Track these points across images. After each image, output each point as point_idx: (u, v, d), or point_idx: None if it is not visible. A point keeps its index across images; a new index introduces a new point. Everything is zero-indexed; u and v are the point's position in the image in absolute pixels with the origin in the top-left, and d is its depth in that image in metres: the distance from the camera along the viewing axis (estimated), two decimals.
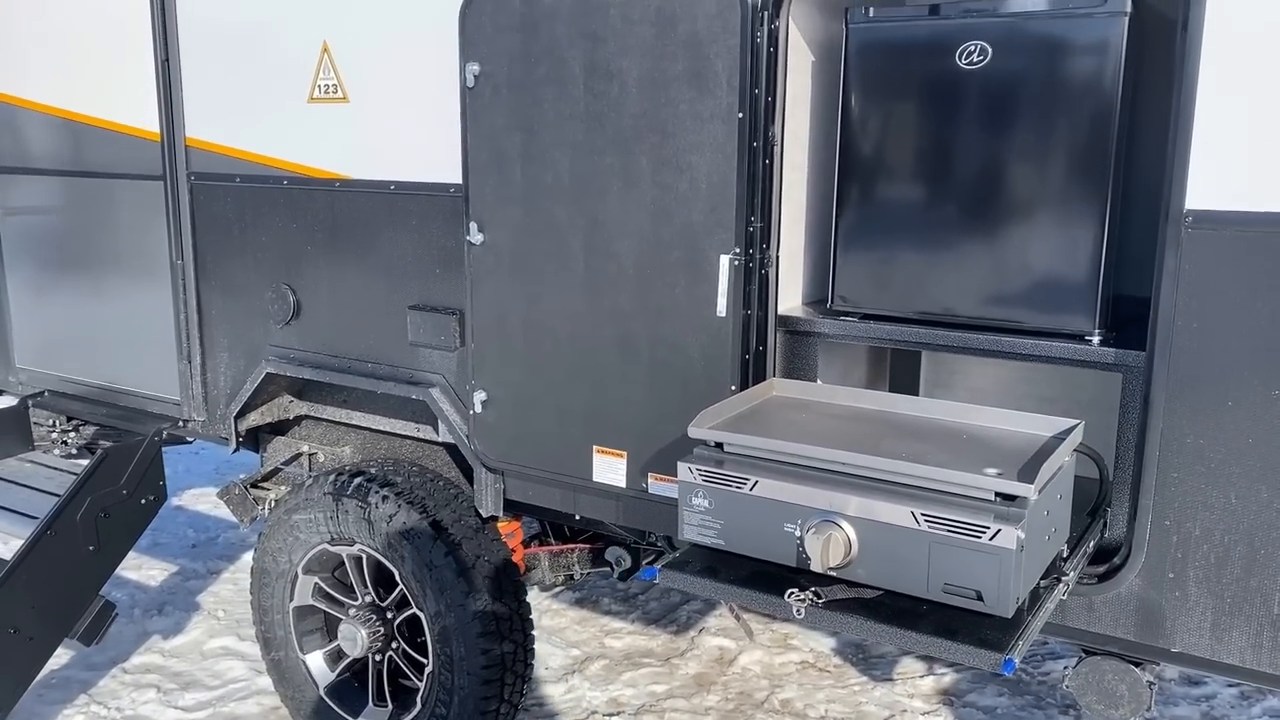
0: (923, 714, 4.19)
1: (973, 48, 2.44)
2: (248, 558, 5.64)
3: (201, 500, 6.53)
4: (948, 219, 2.58)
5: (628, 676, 4.44)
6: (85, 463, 4.39)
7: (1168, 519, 2.29)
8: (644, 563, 3.94)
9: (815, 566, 2.03)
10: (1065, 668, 4.25)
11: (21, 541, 3.63)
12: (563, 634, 4.82)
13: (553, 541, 4.01)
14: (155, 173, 3.80)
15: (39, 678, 3.72)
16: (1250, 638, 2.24)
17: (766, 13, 2.54)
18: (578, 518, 3.28)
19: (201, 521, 6.16)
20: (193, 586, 5.28)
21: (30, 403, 4.43)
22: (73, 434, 4.76)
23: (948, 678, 4.45)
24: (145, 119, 3.80)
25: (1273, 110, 2.06)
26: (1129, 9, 2.29)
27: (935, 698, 4.31)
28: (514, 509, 3.40)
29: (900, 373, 3.26)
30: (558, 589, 5.05)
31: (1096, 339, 2.43)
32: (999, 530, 1.88)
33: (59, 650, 3.76)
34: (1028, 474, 1.98)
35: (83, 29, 3.89)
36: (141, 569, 5.40)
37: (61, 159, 4.11)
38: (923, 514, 1.95)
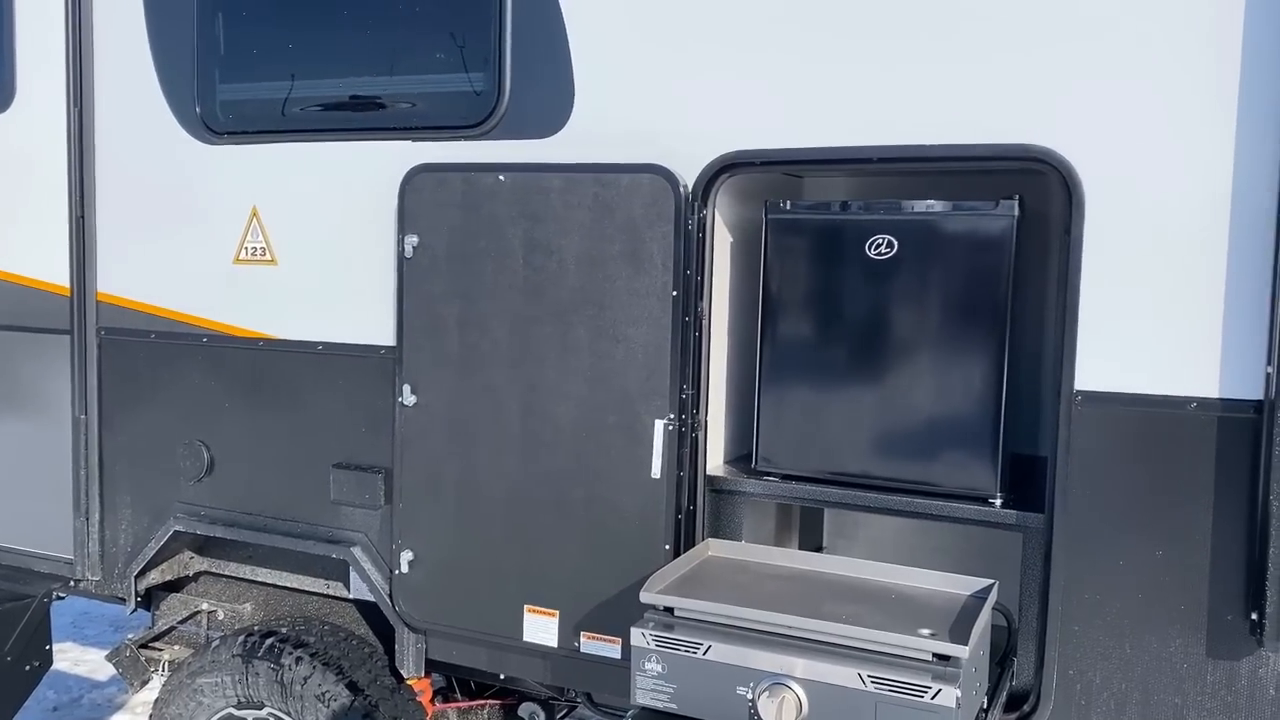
0: None
1: (880, 240, 2.74)
2: None
3: (61, 657, 6.10)
4: (859, 389, 2.83)
5: None
6: None
7: (1071, 669, 2.52)
8: (558, 717, 3.96)
9: None
10: None
11: None
12: None
13: (459, 698, 3.98)
14: (62, 326, 3.75)
15: None
16: None
17: (697, 202, 2.78)
18: (502, 677, 3.30)
19: (62, 681, 5.78)
20: None
21: None
22: None
23: None
24: (53, 272, 3.76)
25: (1143, 302, 2.40)
26: (1016, 212, 2.63)
27: None
28: (434, 668, 3.39)
29: (807, 524, 3.46)
30: None
31: (999, 501, 2.69)
32: (939, 690, 2.05)
33: None
34: (959, 634, 2.18)
35: None
36: None
37: None
38: (869, 675, 2.11)
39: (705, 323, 2.87)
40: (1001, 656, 2.68)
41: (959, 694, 2.05)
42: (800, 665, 2.17)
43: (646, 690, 2.31)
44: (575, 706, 4.09)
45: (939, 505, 2.72)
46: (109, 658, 3.95)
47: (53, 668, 5.99)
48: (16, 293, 3.83)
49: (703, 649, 2.25)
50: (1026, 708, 2.59)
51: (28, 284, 3.81)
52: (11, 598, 3.88)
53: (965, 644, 2.10)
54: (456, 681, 3.96)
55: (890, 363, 2.77)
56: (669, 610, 2.39)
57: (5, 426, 3.93)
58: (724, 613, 2.29)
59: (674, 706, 2.29)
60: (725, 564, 2.69)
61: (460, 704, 3.89)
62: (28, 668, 3.71)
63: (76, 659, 6.10)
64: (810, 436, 2.89)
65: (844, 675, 2.13)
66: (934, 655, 2.13)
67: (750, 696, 2.20)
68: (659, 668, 2.29)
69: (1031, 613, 2.63)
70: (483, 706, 3.93)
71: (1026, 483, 2.84)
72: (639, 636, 2.33)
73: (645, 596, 2.39)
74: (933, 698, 2.05)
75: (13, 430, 3.92)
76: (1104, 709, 2.49)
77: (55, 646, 6.25)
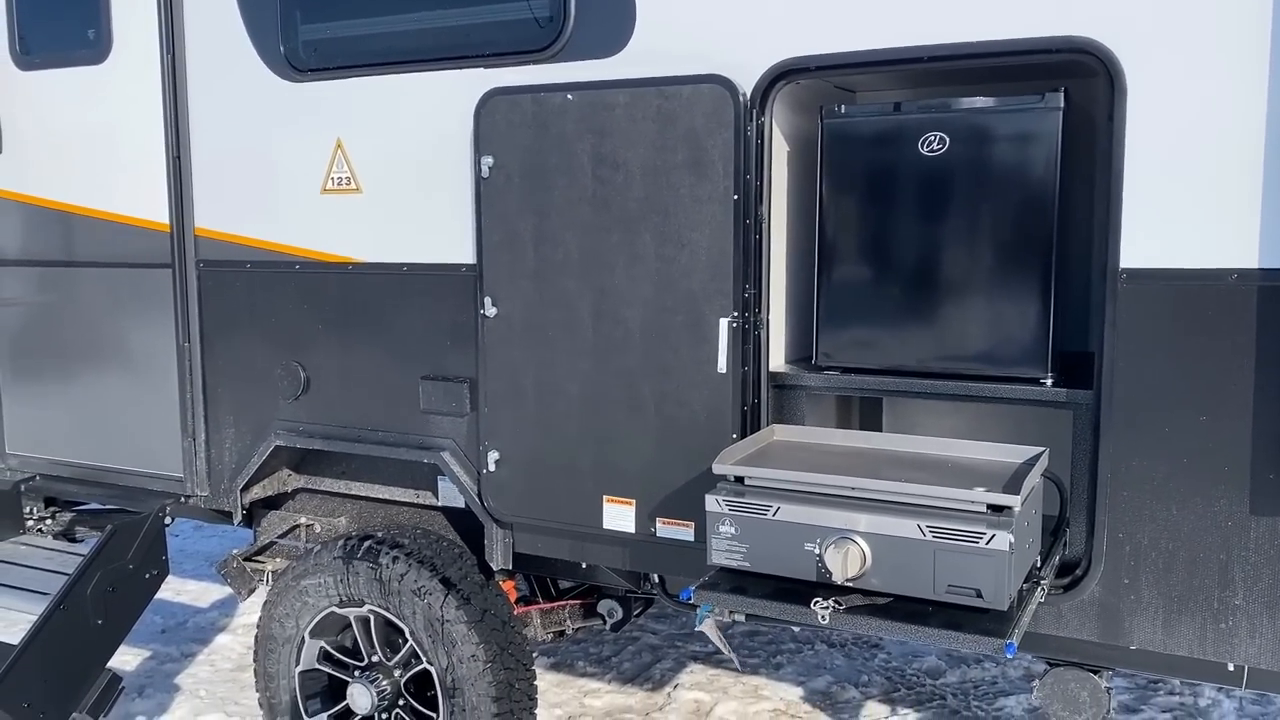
0: None
1: (932, 137, 2.88)
2: (220, 640, 5.72)
3: (164, 588, 6.50)
4: (915, 284, 2.98)
5: None
6: (80, 543, 4.51)
7: (1121, 532, 2.68)
8: (635, 615, 4.20)
9: (836, 578, 2.35)
10: (1032, 681, 4.55)
11: (30, 617, 3.72)
12: (543, 696, 4.98)
13: (540, 601, 4.24)
14: (164, 261, 4.03)
15: None
16: (1196, 630, 2.62)
17: (755, 109, 2.95)
18: (584, 566, 3.54)
19: (166, 608, 6.18)
20: (169, 670, 5.31)
21: (22, 487, 4.52)
22: (50, 520, 4.85)
23: (910, 717, 4.76)
24: (154, 211, 4.04)
25: (1183, 181, 2.52)
26: (1063, 104, 2.76)
27: None
28: (519, 564, 3.65)
29: (865, 421, 3.64)
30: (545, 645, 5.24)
31: (1049, 381, 2.84)
32: (994, 535, 2.24)
33: None
34: (1012, 488, 2.35)
35: (92, 129, 4.13)
36: (116, 655, 5.39)
37: (62, 250, 4.30)
38: (927, 526, 2.30)
39: (765, 226, 3.04)
40: (1056, 528, 2.85)
41: (1012, 539, 2.23)
42: (863, 520, 2.37)
43: (721, 551, 2.52)
44: (651, 602, 4.34)
45: (993, 388, 2.88)
46: (218, 569, 4.27)
47: (158, 598, 6.44)
48: (121, 231, 4.12)
49: (772, 510, 2.45)
50: (1079, 571, 2.76)
51: (130, 223, 4.10)
52: (129, 514, 4.20)
53: (1017, 494, 2.27)
54: (537, 585, 4.23)
55: (943, 255, 2.93)
56: (739, 480, 2.59)
57: (116, 358, 4.25)
58: (791, 478, 2.49)
59: (747, 564, 2.50)
60: (789, 445, 2.89)
61: (543, 605, 4.16)
62: (148, 575, 4.03)
63: (178, 589, 6.50)
64: (868, 330, 3.06)
65: (904, 527, 2.32)
66: (988, 506, 2.31)
67: (817, 551, 2.40)
68: (732, 530, 2.50)
69: (1082, 484, 2.79)
70: (563, 607, 4.20)
71: (1072, 371, 2.99)
72: (713, 503, 2.54)
73: (718, 468, 2.60)
74: (987, 543, 2.23)
75: (123, 361, 4.23)
76: (1152, 568, 2.65)
77: None
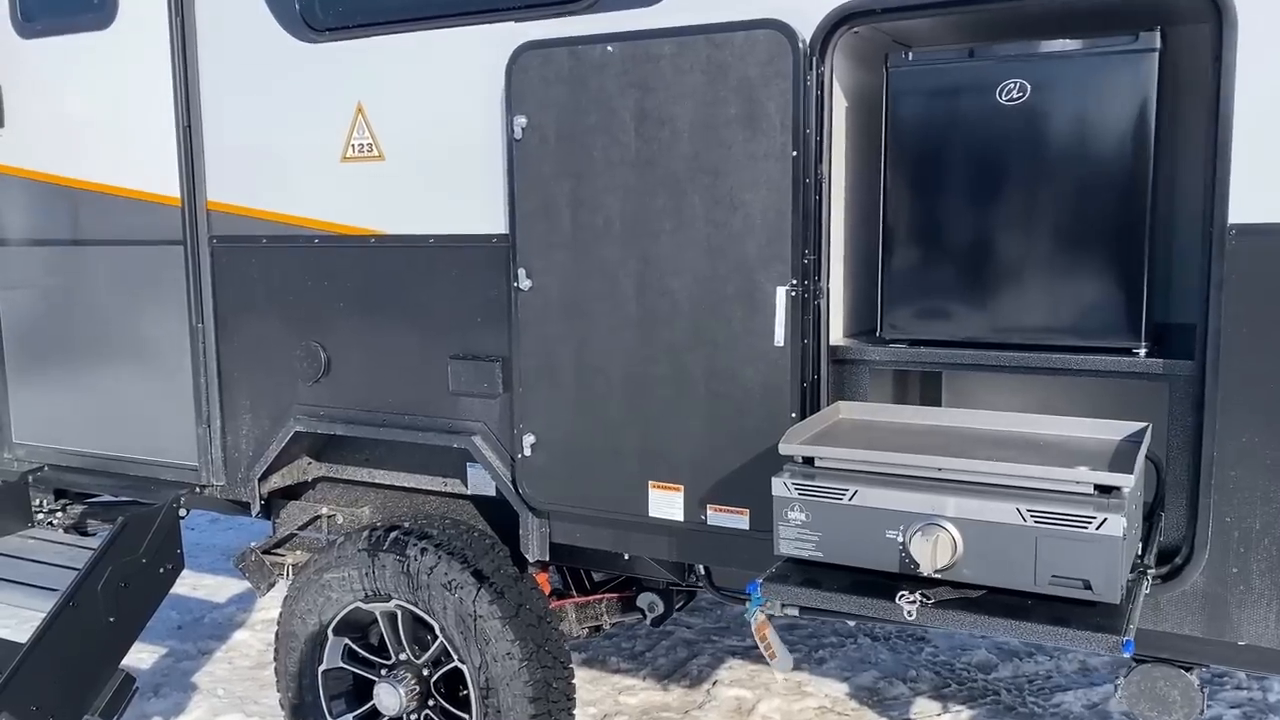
0: None
1: (1011, 85, 2.63)
2: (238, 636, 5.52)
3: (179, 583, 6.31)
4: (992, 248, 2.73)
5: None
6: (92, 536, 4.30)
7: (1228, 516, 2.42)
8: (676, 609, 3.97)
9: (924, 569, 2.11)
10: (1117, 680, 4.32)
11: (39, 614, 3.51)
12: (577, 693, 4.77)
13: (574, 594, 4.01)
14: (174, 237, 3.80)
15: None
16: None
17: (815, 57, 2.70)
18: (626, 557, 3.31)
19: (183, 603, 5.98)
20: (186, 668, 5.11)
21: (30, 478, 4.31)
22: (60, 514, 4.64)
23: (964, 714, 4.51)
24: (164, 184, 3.81)
25: None
26: (1159, 45, 2.50)
27: None
28: (557, 554, 3.41)
29: (924, 396, 3.39)
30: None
31: (1143, 351, 2.59)
32: (1105, 519, 1.99)
33: None
34: (1119, 467, 2.10)
35: (98, 98, 3.91)
36: (130, 652, 5.18)
37: (67, 228, 4.08)
38: (1028, 510, 2.05)
39: (825, 186, 2.79)
40: (1150, 511, 2.60)
41: (1125, 523, 1.98)
42: (953, 505, 2.12)
43: (790, 540, 2.28)
44: (692, 596, 4.10)
45: (1080, 360, 2.62)
46: (235, 562, 4.06)
47: (174, 593, 6.24)
48: (129, 207, 3.90)
49: (849, 494, 2.21)
50: (1179, 560, 2.51)
51: (139, 197, 3.87)
52: (142, 506, 3.99)
53: (1130, 473, 2.02)
54: (572, 578, 4.00)
55: (1025, 213, 2.67)
56: (809, 461, 2.35)
57: (126, 341, 4.03)
58: (870, 458, 2.24)
59: (820, 555, 2.26)
60: (858, 423, 2.64)
61: (578, 599, 3.93)
62: (162, 570, 3.82)
63: (195, 584, 6.30)
64: (939, 300, 2.81)
65: (1001, 511, 2.07)
66: (1095, 488, 2.06)
67: (901, 539, 2.15)
68: (803, 516, 2.26)
69: (1181, 464, 2.53)
70: (600, 601, 3.97)
71: (1160, 341, 2.73)
72: (780, 486, 2.30)
73: (785, 448, 2.36)
74: (1098, 528, 1.99)
75: (133, 344, 4.01)
76: (1265, 555, 2.40)
77: None
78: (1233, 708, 4.48)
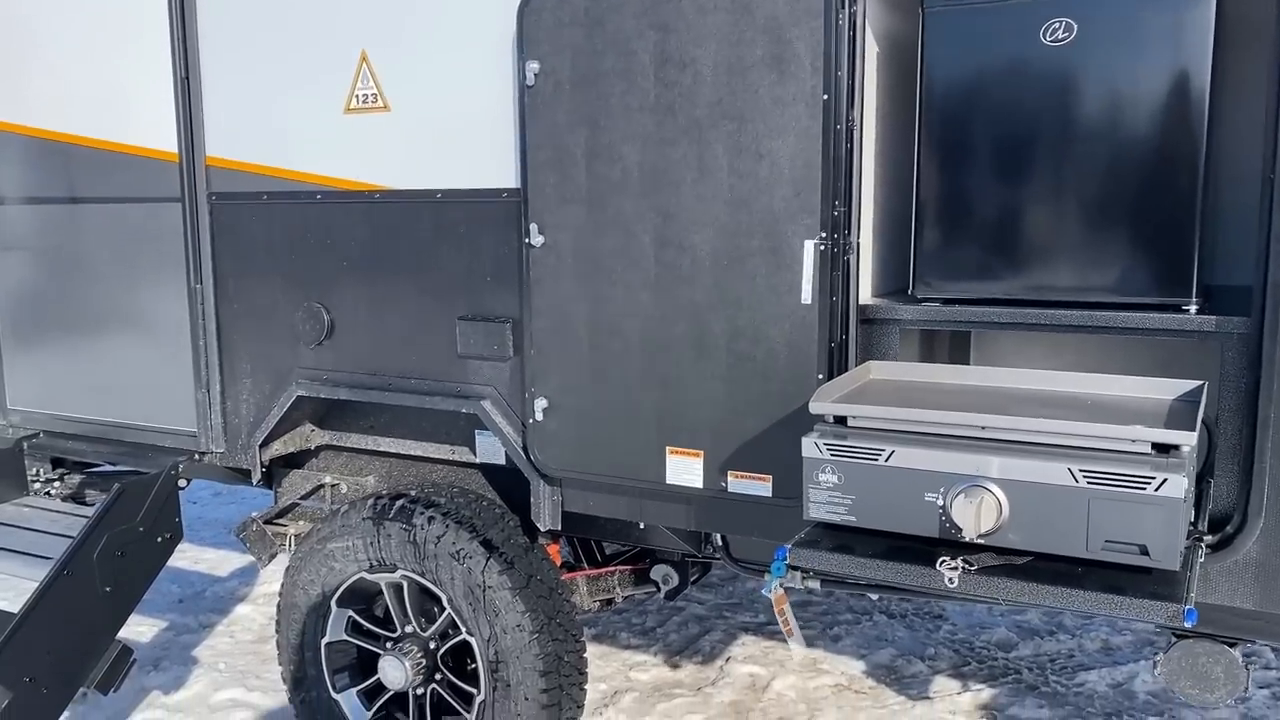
0: None
1: (1057, 24, 2.47)
2: (240, 610, 5.41)
3: (180, 556, 6.17)
4: (1034, 200, 2.58)
5: (662, 708, 4.29)
6: (89, 504, 4.17)
7: None
8: (691, 581, 3.84)
9: (966, 534, 1.97)
10: (1156, 656, 4.19)
11: (33, 584, 3.39)
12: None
13: (585, 565, 3.89)
14: (172, 195, 3.66)
15: None
16: None
17: None
18: (641, 527, 3.18)
19: (184, 577, 5.87)
20: (186, 641, 5.00)
21: (25, 445, 4.18)
22: (58, 483, 4.52)
23: (985, 693, 4.39)
24: (160, 139, 3.66)
25: None
26: None
27: (977, 713, 4.24)
28: (569, 524, 3.28)
29: (953, 357, 3.24)
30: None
31: (1193, 308, 2.44)
32: (1165, 480, 1.85)
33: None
34: (1181, 425, 1.96)
35: (89, 50, 3.76)
36: (129, 626, 5.01)
37: (60, 186, 3.94)
38: (1080, 470, 1.91)
39: (857, 134, 2.64)
40: (1199, 476, 2.45)
41: (1186, 484, 1.84)
42: (998, 465, 1.98)
43: (821, 504, 2.14)
44: (708, 568, 3.98)
45: (1126, 317, 2.47)
46: (237, 533, 3.94)
47: (174, 566, 6.13)
48: (125, 163, 3.75)
49: (885, 454, 2.07)
50: (1230, 528, 2.37)
51: (135, 153, 3.73)
52: (139, 473, 3.86)
53: (1191, 430, 1.88)
54: (582, 550, 3.87)
55: (1069, 163, 2.52)
56: (842, 421, 2.20)
57: (123, 304, 3.89)
58: (907, 416, 2.10)
59: (853, 519, 2.12)
60: (890, 383, 2.50)
61: (589, 571, 3.80)
62: (159, 539, 3.69)
63: (196, 558, 6.19)
64: (976, 256, 2.66)
65: (1051, 472, 1.93)
66: (1153, 446, 1.92)
67: (942, 502, 2.01)
68: (835, 479, 2.12)
69: (1234, 427, 2.39)
70: (612, 573, 3.84)
71: (1211, 302, 2.58)
72: (811, 447, 2.16)
73: (816, 406, 2.21)
74: (1157, 489, 1.84)
75: (130, 307, 3.87)
76: None
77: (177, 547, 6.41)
78: (1262, 688, 4.35)
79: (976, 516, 1.95)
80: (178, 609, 5.40)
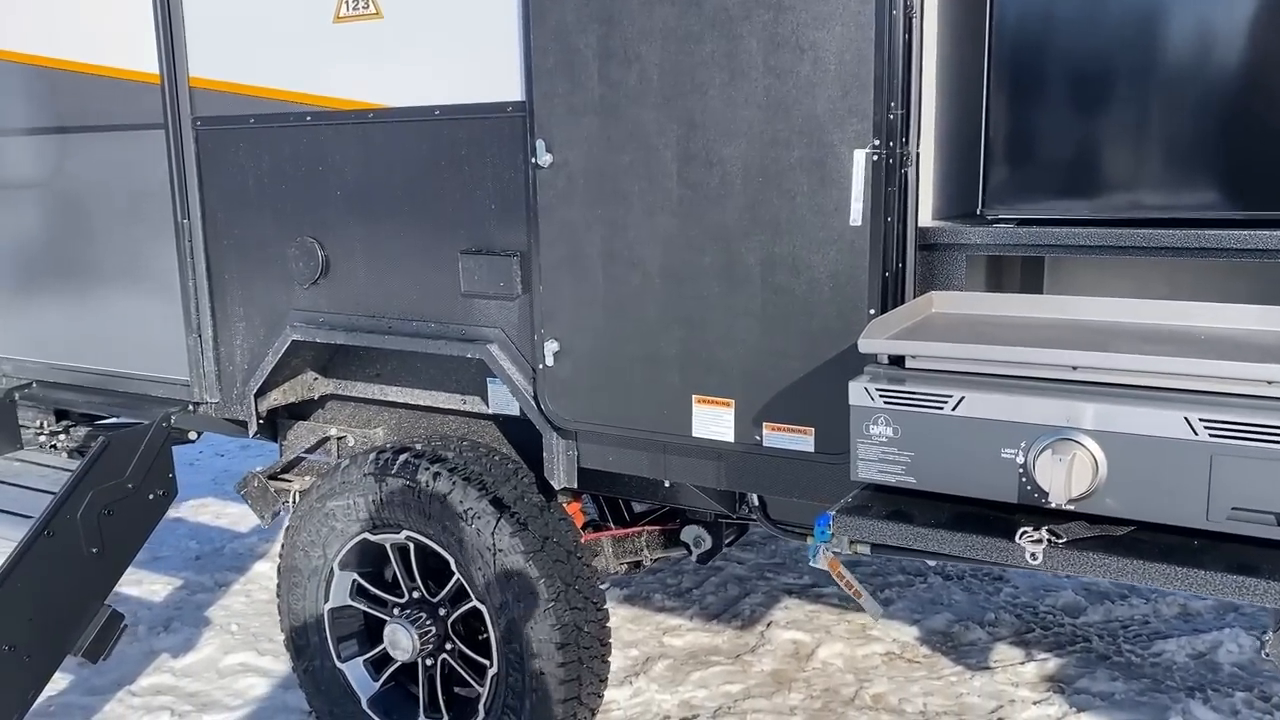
0: (1033, 704, 3.75)
1: None
2: (258, 568, 5.17)
3: (202, 511, 6.02)
4: (1123, 102, 2.15)
5: (697, 677, 3.98)
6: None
7: None
8: (726, 544, 3.50)
9: (1053, 499, 1.59)
10: (1264, 636, 3.79)
11: (13, 545, 3.14)
12: (616, 633, 4.32)
13: (612, 526, 3.56)
14: (154, 120, 3.33)
15: (36, 704, 3.21)
16: None
17: None
18: (667, 484, 2.83)
19: (204, 533, 5.66)
20: (200, 600, 4.77)
21: (16, 395, 3.93)
22: (63, 436, 4.27)
23: (1051, 663, 4.01)
24: (140, 60, 3.33)
25: None
26: None
27: (1043, 685, 3.88)
28: (587, 481, 2.94)
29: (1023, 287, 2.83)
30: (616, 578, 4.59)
31: None
32: None
33: (55, 673, 3.26)
34: None
35: None
36: (142, 584, 4.89)
37: (37, 114, 3.63)
38: (1201, 419, 1.51)
39: (917, 22, 2.22)
40: None
41: None
42: (1093, 413, 1.59)
43: (872, 463, 1.77)
44: (745, 529, 3.63)
45: (1240, 236, 2.04)
46: (237, 488, 3.69)
47: (195, 521, 5.93)
48: (103, 87, 3.43)
49: (952, 402, 1.69)
50: None
51: (114, 75, 3.40)
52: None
53: None
54: (609, 509, 3.55)
55: (1171, 53, 2.08)
56: (897, 362, 1.82)
57: (107, 242, 3.59)
58: (980, 354, 1.71)
59: (911, 480, 1.75)
60: (956, 317, 2.10)
61: (614, 532, 3.47)
62: (151, 496, 3.42)
63: (218, 512, 5.98)
64: (1056, 170, 2.24)
65: (1162, 421, 1.54)
66: None
67: (1022, 460, 1.63)
68: (890, 432, 1.75)
69: None
70: (639, 534, 3.51)
71: None
72: (860, 393, 1.78)
73: (866, 344, 1.84)
74: None
75: (116, 246, 3.57)
76: None
77: (197, 502, 6.21)
78: None
79: (1066, 478, 1.56)
80: (194, 566, 5.19)
